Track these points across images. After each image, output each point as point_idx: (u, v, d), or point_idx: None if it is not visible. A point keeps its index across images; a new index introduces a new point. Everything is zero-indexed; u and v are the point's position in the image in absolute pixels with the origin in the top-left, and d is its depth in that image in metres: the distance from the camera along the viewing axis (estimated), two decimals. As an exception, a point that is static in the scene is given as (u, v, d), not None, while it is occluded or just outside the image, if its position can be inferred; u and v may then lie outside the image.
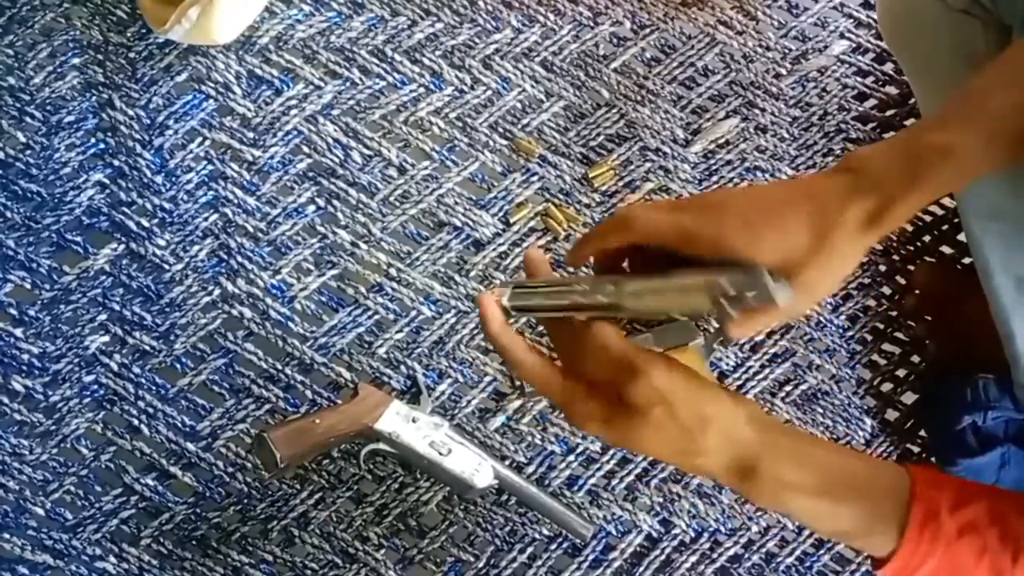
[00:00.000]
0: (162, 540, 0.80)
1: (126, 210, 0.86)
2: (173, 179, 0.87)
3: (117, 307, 0.84)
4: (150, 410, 0.82)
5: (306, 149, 0.89)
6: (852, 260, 0.52)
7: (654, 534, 0.83)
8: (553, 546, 0.82)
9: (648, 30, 0.93)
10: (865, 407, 0.87)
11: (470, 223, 0.88)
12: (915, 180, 0.51)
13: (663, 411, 0.51)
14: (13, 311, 0.83)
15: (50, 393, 0.82)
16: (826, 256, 0.50)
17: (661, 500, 0.84)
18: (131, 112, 0.88)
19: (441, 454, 0.78)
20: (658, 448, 0.53)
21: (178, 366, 0.83)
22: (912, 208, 0.51)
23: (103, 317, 0.84)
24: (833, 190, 0.52)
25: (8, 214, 0.85)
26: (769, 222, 0.51)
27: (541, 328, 0.85)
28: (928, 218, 0.92)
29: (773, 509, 0.53)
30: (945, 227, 0.91)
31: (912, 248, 0.91)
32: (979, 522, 0.51)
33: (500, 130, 0.90)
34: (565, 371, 0.54)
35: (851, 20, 0.95)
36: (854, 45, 0.94)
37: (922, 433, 0.87)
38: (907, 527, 0.50)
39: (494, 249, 0.87)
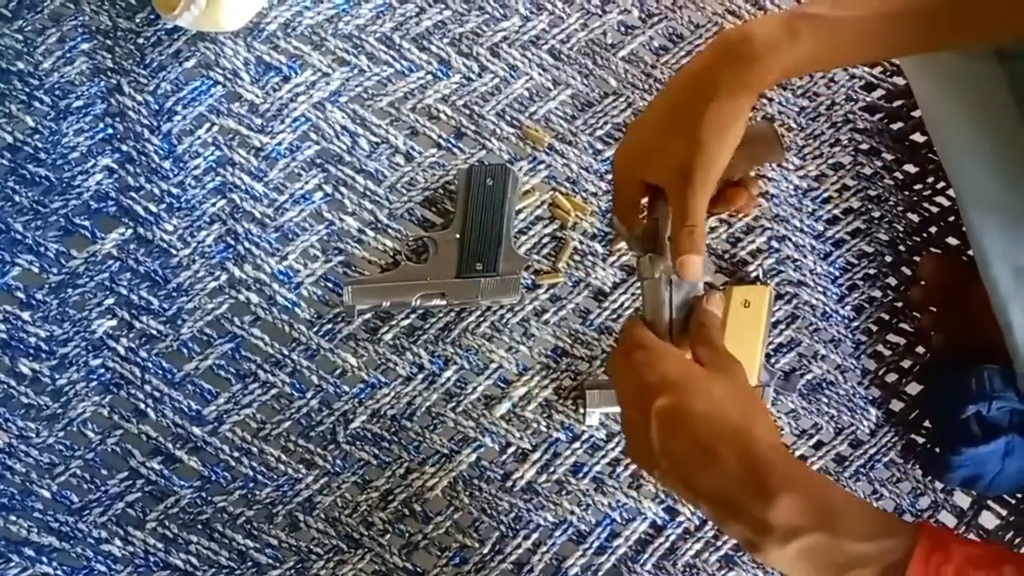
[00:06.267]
0: (167, 524, 0.80)
1: (134, 195, 0.86)
2: (181, 164, 0.87)
3: (124, 291, 0.84)
4: (156, 394, 0.82)
5: (314, 136, 0.89)
6: (732, 115, 0.60)
7: (659, 521, 0.83)
8: (558, 532, 0.82)
9: (656, 19, 0.94)
10: (870, 397, 0.87)
11: (477, 210, 0.88)
12: (777, 35, 0.58)
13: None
14: (20, 294, 0.84)
15: (57, 376, 0.82)
16: (704, 148, 0.59)
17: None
18: (139, 97, 0.88)
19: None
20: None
21: (185, 351, 0.84)
22: (777, 60, 0.59)
23: (110, 301, 0.84)
24: (690, 76, 0.61)
25: (16, 198, 0.85)
26: (652, 152, 0.62)
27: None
28: (934, 210, 0.92)
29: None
30: (951, 218, 0.91)
31: (918, 239, 0.91)
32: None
33: (507, 118, 0.90)
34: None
35: (859, 11, 0.95)
36: (862, 36, 0.94)
37: (927, 424, 0.87)
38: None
39: (500, 236, 0.88)
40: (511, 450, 0.84)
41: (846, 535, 0.51)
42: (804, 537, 0.51)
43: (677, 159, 0.60)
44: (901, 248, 0.91)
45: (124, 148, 0.87)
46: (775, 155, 0.68)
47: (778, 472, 0.53)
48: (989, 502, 0.86)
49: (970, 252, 0.89)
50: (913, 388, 0.88)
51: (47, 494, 0.80)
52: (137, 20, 0.90)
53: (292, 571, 0.80)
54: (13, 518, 0.79)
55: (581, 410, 0.84)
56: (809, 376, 0.87)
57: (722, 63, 0.59)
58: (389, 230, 0.87)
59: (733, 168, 0.63)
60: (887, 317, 0.89)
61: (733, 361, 0.61)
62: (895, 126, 0.93)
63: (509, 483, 0.83)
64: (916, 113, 0.93)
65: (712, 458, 0.54)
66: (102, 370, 0.83)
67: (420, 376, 0.84)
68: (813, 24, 0.58)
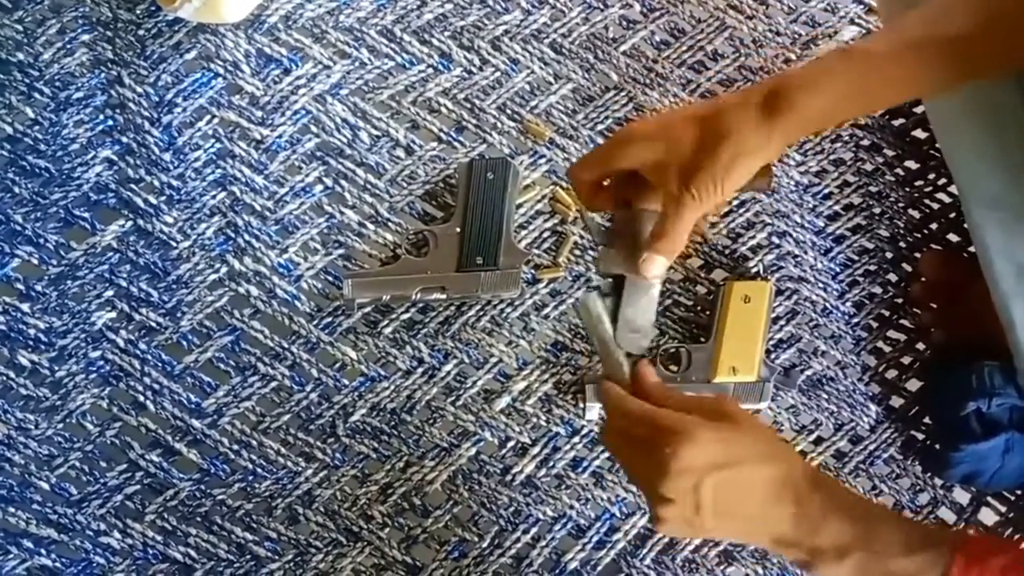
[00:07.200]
0: (166, 516, 0.80)
1: (134, 187, 0.86)
2: (181, 157, 0.87)
3: (124, 283, 0.84)
4: (156, 386, 0.82)
5: (314, 128, 0.89)
6: (756, 147, 0.58)
7: (658, 516, 0.83)
8: (557, 527, 0.82)
9: (658, 13, 0.93)
10: (870, 393, 0.87)
11: (477, 204, 0.88)
12: (812, 71, 0.58)
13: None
14: (20, 286, 0.84)
15: (56, 368, 0.82)
16: (716, 132, 0.58)
17: (665, 483, 0.84)
18: (140, 89, 0.88)
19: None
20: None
21: (184, 343, 0.84)
22: (814, 96, 0.57)
23: (110, 293, 0.84)
24: (731, 96, 0.60)
25: (16, 189, 0.85)
26: (655, 131, 0.61)
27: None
28: (935, 206, 0.92)
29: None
30: (952, 215, 0.91)
31: (919, 236, 0.91)
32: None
33: (508, 112, 0.90)
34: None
35: (861, 6, 0.95)
36: (864, 31, 0.94)
37: (927, 420, 0.87)
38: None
39: (501, 230, 0.87)
40: (511, 444, 0.84)
41: (886, 552, 0.55)
42: (852, 555, 0.56)
43: (693, 169, 0.60)
44: (902, 244, 0.90)
45: (124, 140, 0.87)
46: (764, 185, 0.68)
47: (821, 501, 0.56)
48: (989, 498, 0.86)
49: (971, 249, 0.89)
50: (913, 384, 0.88)
51: (46, 486, 0.80)
52: (138, 11, 0.90)
53: (291, 564, 0.80)
54: (12, 510, 0.79)
55: (581, 405, 0.84)
56: (809, 372, 0.87)
57: (758, 109, 0.59)
58: (389, 223, 0.87)
59: None
60: (887, 313, 0.89)
61: (730, 404, 0.60)
62: (896, 122, 0.93)
63: (508, 477, 0.83)
64: (918, 109, 0.93)
65: (772, 512, 0.56)
66: (101, 362, 0.83)
67: (420, 370, 0.84)
68: (847, 58, 0.58)
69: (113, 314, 0.84)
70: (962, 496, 0.86)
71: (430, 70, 0.91)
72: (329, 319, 0.85)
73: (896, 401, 0.88)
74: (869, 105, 0.61)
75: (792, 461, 0.58)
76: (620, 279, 0.67)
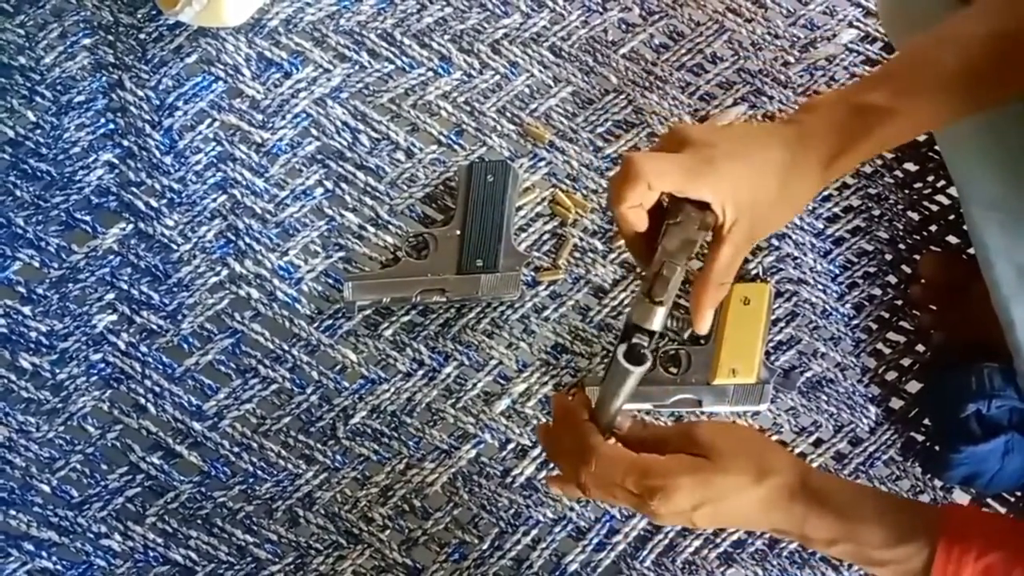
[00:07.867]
0: (167, 519, 0.81)
1: (135, 190, 0.86)
2: (182, 160, 0.88)
3: (125, 286, 0.84)
4: (157, 389, 0.83)
5: (314, 132, 0.89)
6: (807, 198, 0.61)
7: (658, 518, 0.83)
8: (557, 528, 0.82)
9: (657, 16, 0.94)
10: (870, 395, 0.87)
11: (477, 207, 0.88)
12: (861, 136, 0.59)
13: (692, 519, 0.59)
14: (21, 289, 0.84)
15: (57, 371, 0.82)
16: (786, 196, 0.59)
17: (665, 485, 0.84)
18: (141, 93, 0.89)
19: None
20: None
21: (185, 346, 0.84)
22: (860, 158, 0.61)
23: (111, 296, 0.84)
24: (795, 136, 0.59)
25: (17, 193, 0.86)
26: (742, 170, 0.57)
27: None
28: (935, 208, 0.92)
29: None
30: (952, 217, 0.91)
31: (918, 237, 0.91)
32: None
33: (508, 115, 0.90)
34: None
35: (859, 9, 0.95)
36: (862, 34, 0.94)
37: (926, 422, 0.87)
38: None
39: (501, 233, 0.88)
40: (511, 446, 0.84)
41: (868, 545, 0.59)
42: (839, 545, 0.60)
43: (760, 227, 0.60)
44: (901, 246, 0.91)
45: (125, 143, 0.88)
46: None
47: (805, 506, 0.59)
48: (988, 500, 0.86)
49: (970, 250, 0.89)
50: (913, 386, 0.88)
51: (47, 489, 0.80)
52: (139, 16, 0.91)
53: (291, 566, 0.80)
54: (13, 512, 0.79)
55: None
56: (809, 374, 0.87)
57: (821, 171, 0.59)
58: (390, 226, 0.87)
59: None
60: (887, 315, 0.89)
61: (703, 434, 0.60)
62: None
63: (509, 479, 0.83)
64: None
65: (761, 520, 0.61)
66: (102, 365, 0.83)
67: (420, 372, 0.84)
68: (880, 118, 0.59)
69: (114, 317, 0.84)
70: (962, 498, 0.86)
71: (430, 73, 0.91)
72: (329, 321, 0.85)
73: (896, 403, 0.88)
74: (884, 150, 0.66)
75: (775, 473, 0.59)
76: (651, 336, 0.57)
